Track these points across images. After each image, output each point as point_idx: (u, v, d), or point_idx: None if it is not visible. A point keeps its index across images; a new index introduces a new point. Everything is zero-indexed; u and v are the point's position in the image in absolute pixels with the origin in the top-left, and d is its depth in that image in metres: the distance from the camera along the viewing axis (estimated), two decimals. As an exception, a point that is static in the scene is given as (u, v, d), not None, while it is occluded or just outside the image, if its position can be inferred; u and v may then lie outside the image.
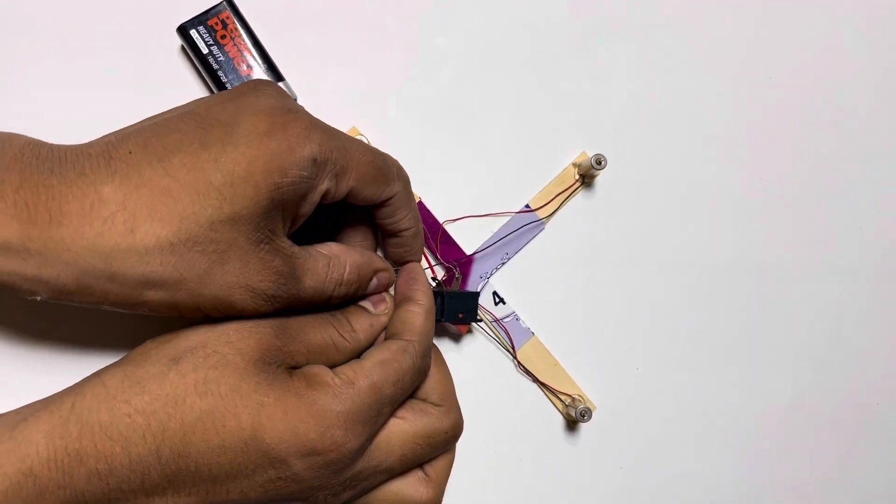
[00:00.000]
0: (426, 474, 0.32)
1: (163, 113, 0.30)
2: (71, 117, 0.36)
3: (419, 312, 0.32)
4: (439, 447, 0.31)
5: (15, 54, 0.36)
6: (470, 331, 0.39)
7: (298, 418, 0.27)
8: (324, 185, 0.29)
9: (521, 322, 0.39)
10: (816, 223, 0.42)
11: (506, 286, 0.39)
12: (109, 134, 0.29)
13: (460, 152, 0.39)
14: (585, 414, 0.37)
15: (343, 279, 0.31)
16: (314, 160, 0.28)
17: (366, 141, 0.37)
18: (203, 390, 0.27)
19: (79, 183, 0.26)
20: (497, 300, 0.39)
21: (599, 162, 0.38)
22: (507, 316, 0.39)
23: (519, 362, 0.38)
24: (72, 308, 0.34)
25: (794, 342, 0.42)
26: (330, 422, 0.27)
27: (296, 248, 0.30)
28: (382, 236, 0.35)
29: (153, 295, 0.27)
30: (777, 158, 0.42)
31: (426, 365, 0.32)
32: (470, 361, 0.39)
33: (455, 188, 0.39)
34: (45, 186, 0.25)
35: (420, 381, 0.32)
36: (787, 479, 0.41)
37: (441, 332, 0.39)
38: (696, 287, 0.41)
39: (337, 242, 0.32)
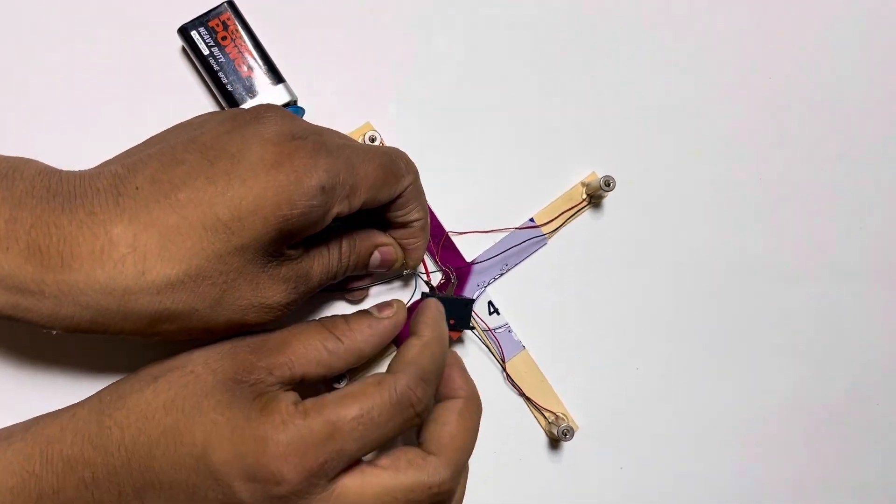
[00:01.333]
0: None
1: (168, 133, 0.30)
2: (72, 118, 0.37)
3: (415, 345, 0.31)
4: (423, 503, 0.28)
5: (16, 54, 0.37)
6: (461, 339, 0.39)
7: (241, 440, 0.26)
8: (335, 210, 0.29)
9: (513, 335, 0.39)
10: (817, 224, 0.42)
11: (502, 297, 0.39)
12: (115, 161, 0.29)
13: (467, 158, 0.39)
14: (567, 433, 0.37)
15: (341, 258, 0.31)
16: (322, 188, 0.27)
17: (379, 139, 0.37)
18: (170, 407, 0.27)
19: (89, 223, 0.26)
20: (492, 310, 0.39)
21: (608, 183, 0.38)
22: (500, 327, 0.39)
23: (507, 374, 0.38)
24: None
25: (793, 343, 0.42)
26: (268, 449, 0.26)
27: (302, 251, 0.30)
28: (390, 229, 0.34)
29: (166, 327, 0.28)
30: (783, 167, 0.42)
31: (413, 400, 0.28)
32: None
33: (462, 196, 0.39)
34: (56, 227, 0.26)
35: (405, 417, 0.28)
36: (787, 479, 0.41)
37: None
38: (695, 316, 0.41)
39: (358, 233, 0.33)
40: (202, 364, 0.28)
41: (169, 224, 0.26)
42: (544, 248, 0.39)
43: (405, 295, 0.38)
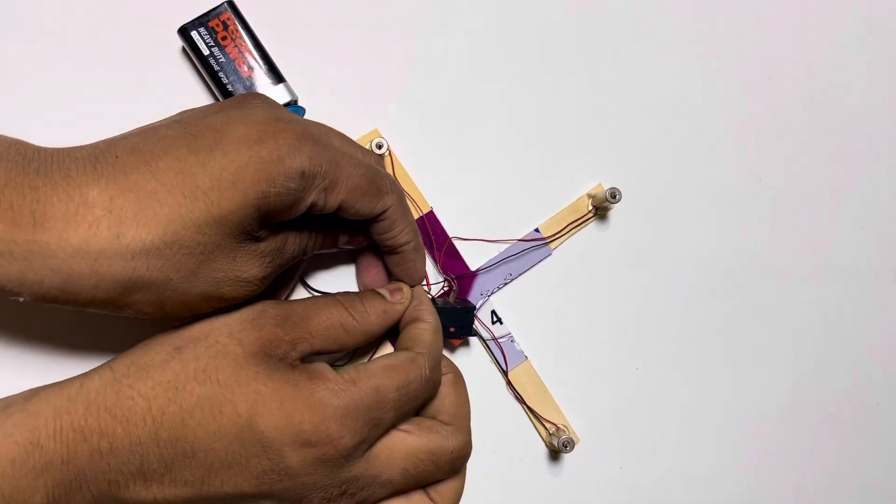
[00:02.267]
0: (431, 499, 0.31)
1: (153, 122, 0.30)
2: (72, 117, 0.37)
3: (427, 329, 0.32)
4: (444, 467, 0.31)
5: (16, 53, 0.37)
6: (467, 343, 0.39)
7: (294, 408, 0.27)
8: (311, 198, 0.29)
9: (515, 344, 0.39)
10: (818, 225, 0.42)
11: (505, 306, 0.39)
12: (99, 141, 0.29)
13: (471, 160, 0.40)
14: (568, 445, 0.37)
15: (314, 246, 0.32)
16: (302, 172, 0.28)
17: (386, 146, 0.37)
18: (202, 378, 0.27)
19: (64, 185, 0.25)
20: (494, 319, 0.39)
21: (614, 195, 0.38)
22: (503, 336, 0.39)
23: (509, 383, 0.38)
24: (60, 312, 0.34)
25: (793, 344, 0.41)
26: (326, 414, 0.27)
27: (267, 236, 0.30)
28: (385, 255, 0.35)
29: (139, 297, 0.27)
30: (784, 168, 0.42)
31: (435, 379, 0.31)
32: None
33: (464, 199, 0.39)
34: (30, 188, 0.25)
35: (428, 394, 0.31)
36: (787, 479, 0.41)
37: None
38: (704, 295, 0.41)
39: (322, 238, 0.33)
40: (226, 335, 0.28)
41: (147, 189, 0.26)
42: (549, 258, 0.39)
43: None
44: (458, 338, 0.37)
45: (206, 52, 0.36)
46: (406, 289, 0.34)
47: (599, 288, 0.40)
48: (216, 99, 0.38)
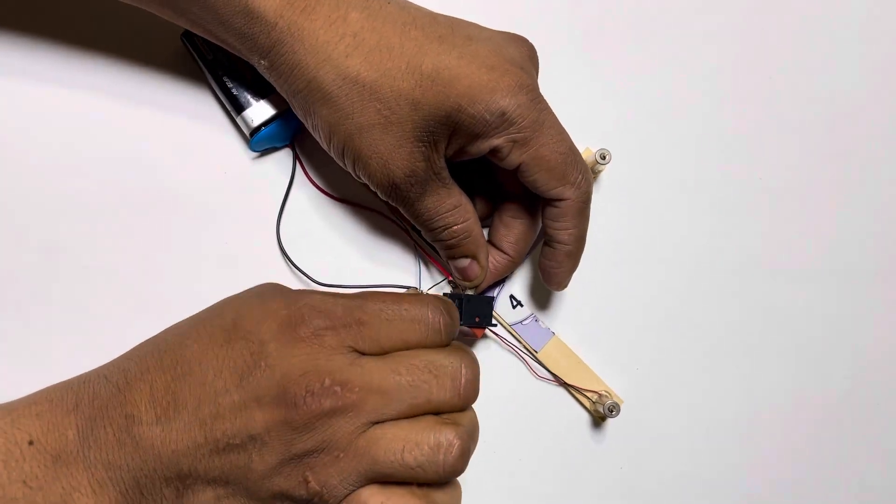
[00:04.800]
0: (443, 422, 0.27)
1: None
2: (75, 119, 0.37)
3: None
4: (445, 378, 0.27)
5: (16, 53, 0.37)
6: (485, 335, 0.39)
7: (274, 303, 0.28)
8: (496, 142, 0.31)
9: (539, 323, 0.39)
10: (817, 223, 0.42)
11: (523, 289, 0.39)
12: None
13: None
14: (614, 409, 0.37)
15: (449, 230, 0.34)
16: (503, 113, 0.30)
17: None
18: (203, 311, 0.29)
19: (333, 4, 0.31)
20: (515, 303, 0.39)
21: (604, 157, 0.38)
22: (526, 318, 0.39)
23: (541, 363, 0.38)
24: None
25: (793, 343, 0.41)
26: (303, 302, 0.27)
27: (444, 172, 0.33)
28: (543, 244, 0.35)
29: (324, 112, 0.32)
30: (784, 166, 0.42)
31: (438, 317, 0.29)
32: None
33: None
34: None
35: (423, 331, 0.28)
36: (787, 479, 0.41)
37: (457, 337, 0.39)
38: (704, 294, 0.41)
39: (481, 204, 0.36)
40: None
41: (390, 44, 0.31)
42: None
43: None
44: (481, 327, 0.37)
45: (209, 56, 0.36)
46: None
47: (603, 251, 0.40)
48: (220, 103, 0.38)
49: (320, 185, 0.38)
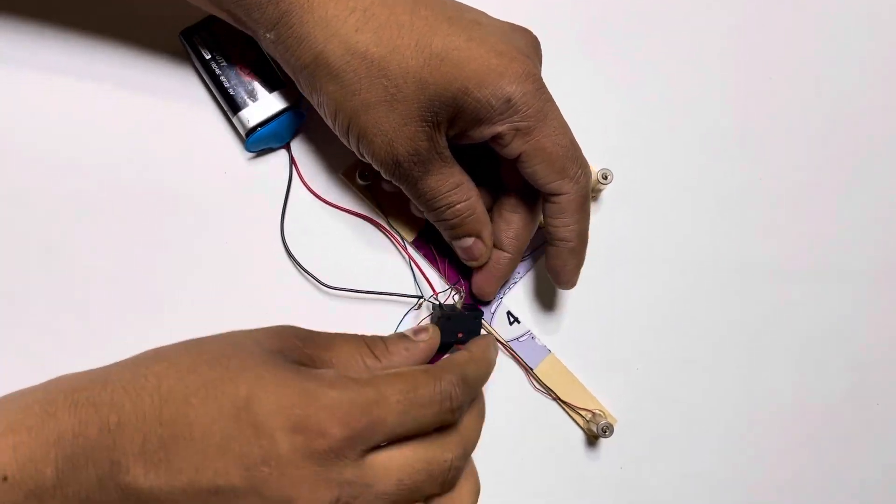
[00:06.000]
0: None
1: None
2: (74, 119, 0.37)
3: (463, 354, 0.31)
4: (437, 478, 0.29)
5: (15, 53, 0.37)
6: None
7: (289, 392, 0.26)
8: (499, 128, 0.31)
9: (536, 340, 0.39)
10: (817, 224, 0.42)
11: (520, 306, 0.39)
12: None
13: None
14: (607, 430, 0.37)
15: (452, 209, 0.34)
16: (508, 100, 0.30)
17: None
18: (213, 363, 0.27)
19: None
20: (511, 320, 0.39)
21: (606, 177, 0.38)
22: (523, 335, 0.39)
23: (538, 379, 0.38)
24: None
25: (793, 343, 0.42)
26: (319, 401, 0.26)
27: (447, 151, 0.33)
28: (546, 244, 0.35)
29: (331, 86, 0.31)
30: (784, 167, 0.42)
31: (453, 398, 0.29)
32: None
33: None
34: None
35: (442, 413, 0.29)
36: (787, 479, 0.41)
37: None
38: (705, 294, 0.41)
39: (482, 189, 0.36)
40: (248, 337, 0.29)
41: (400, 21, 0.31)
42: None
43: (408, 312, 0.38)
44: (463, 343, 0.37)
45: (207, 55, 0.36)
46: (431, 328, 0.33)
47: (604, 268, 0.40)
48: (216, 103, 0.38)
49: (315, 190, 0.38)
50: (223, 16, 0.33)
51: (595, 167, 0.40)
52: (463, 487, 0.30)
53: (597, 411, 0.38)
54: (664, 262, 0.41)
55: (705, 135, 0.42)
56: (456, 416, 0.29)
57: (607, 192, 0.41)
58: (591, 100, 0.41)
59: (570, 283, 0.36)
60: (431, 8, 0.31)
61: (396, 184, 0.34)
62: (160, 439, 0.26)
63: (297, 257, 0.37)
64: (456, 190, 0.34)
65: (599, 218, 0.40)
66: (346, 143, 0.34)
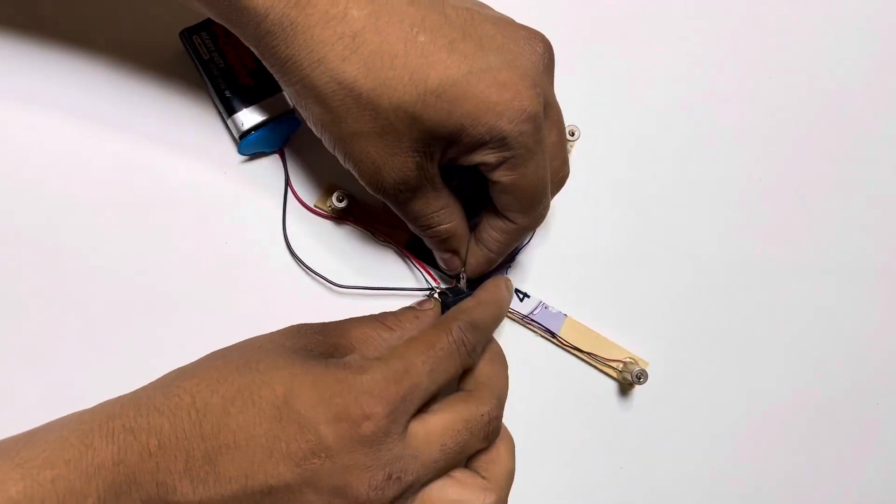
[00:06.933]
0: (483, 477, 0.31)
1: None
2: (73, 119, 0.36)
3: (468, 301, 0.33)
4: (478, 433, 0.30)
5: (14, 53, 0.36)
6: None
7: (326, 384, 0.27)
8: (488, 158, 0.31)
9: (550, 309, 0.39)
10: (816, 223, 0.43)
11: (523, 283, 0.39)
12: None
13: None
14: (641, 376, 0.38)
15: (434, 230, 0.34)
16: (503, 138, 0.30)
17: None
18: (244, 369, 0.28)
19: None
20: (521, 296, 0.39)
21: (572, 133, 0.38)
22: (536, 308, 0.39)
23: (565, 342, 0.39)
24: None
25: (793, 343, 0.42)
26: (357, 389, 0.27)
27: (436, 178, 0.32)
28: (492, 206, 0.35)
29: (316, 108, 0.30)
30: (784, 167, 0.43)
31: (466, 342, 0.30)
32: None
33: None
34: None
35: (462, 359, 0.30)
36: (787, 479, 0.41)
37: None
38: (705, 294, 0.41)
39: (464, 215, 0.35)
40: (269, 341, 0.30)
41: (393, 50, 0.29)
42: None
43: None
44: None
45: (206, 56, 0.35)
46: (433, 301, 0.35)
47: (610, 268, 0.41)
48: (213, 103, 0.37)
49: (304, 200, 0.38)
50: (220, 21, 0.32)
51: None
52: (500, 447, 0.32)
53: (628, 360, 0.39)
54: (664, 264, 0.41)
55: (704, 135, 0.42)
56: (474, 359, 0.31)
57: (613, 183, 0.41)
58: (592, 101, 0.41)
59: (469, 273, 0.36)
60: (431, 31, 0.29)
61: (382, 200, 0.34)
62: (204, 454, 0.26)
63: (299, 254, 0.37)
64: (440, 212, 0.33)
65: (604, 227, 0.41)
66: (333, 153, 0.33)
